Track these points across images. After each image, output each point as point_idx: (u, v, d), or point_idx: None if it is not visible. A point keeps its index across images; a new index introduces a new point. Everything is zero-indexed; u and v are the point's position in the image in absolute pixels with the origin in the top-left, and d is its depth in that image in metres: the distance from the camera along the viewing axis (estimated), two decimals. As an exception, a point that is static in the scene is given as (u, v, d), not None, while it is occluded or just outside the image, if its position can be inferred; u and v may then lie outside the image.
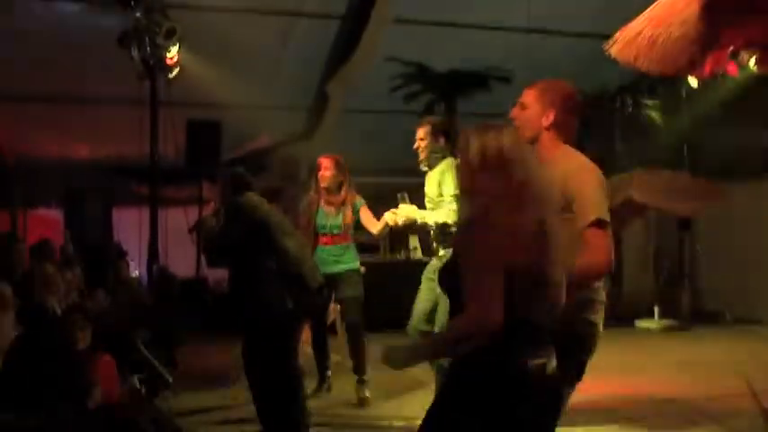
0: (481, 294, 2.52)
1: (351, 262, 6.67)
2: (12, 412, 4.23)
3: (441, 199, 5.45)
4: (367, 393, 6.56)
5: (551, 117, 3.41)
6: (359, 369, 6.65)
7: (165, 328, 7.45)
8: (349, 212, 6.59)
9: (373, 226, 6.47)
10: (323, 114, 11.24)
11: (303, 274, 5.16)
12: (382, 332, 6.97)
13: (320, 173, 6.64)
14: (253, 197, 5.36)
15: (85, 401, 4.52)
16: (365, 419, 6.08)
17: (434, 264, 5.55)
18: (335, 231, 6.62)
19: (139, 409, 4.94)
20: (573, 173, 3.28)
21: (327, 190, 6.62)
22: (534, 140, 3.42)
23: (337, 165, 6.62)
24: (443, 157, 5.55)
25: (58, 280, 6.24)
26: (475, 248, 2.57)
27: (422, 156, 5.63)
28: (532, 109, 3.44)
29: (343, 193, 6.62)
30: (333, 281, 6.48)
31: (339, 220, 6.60)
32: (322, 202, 6.68)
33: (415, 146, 5.66)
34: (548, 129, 3.41)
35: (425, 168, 5.62)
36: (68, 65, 9.20)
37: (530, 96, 3.47)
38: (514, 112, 3.50)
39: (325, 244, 6.65)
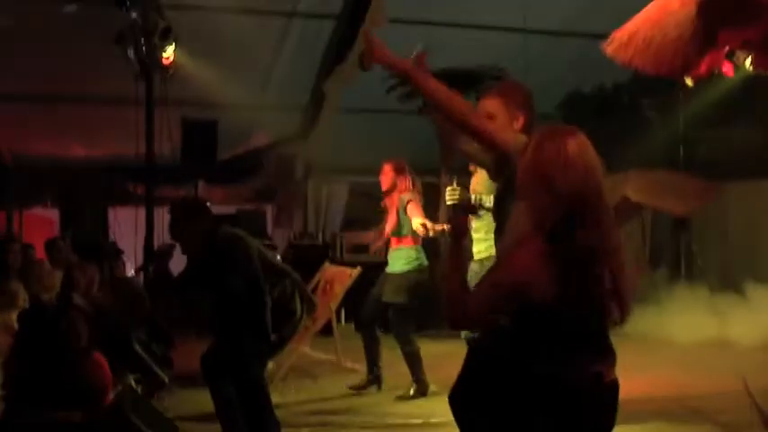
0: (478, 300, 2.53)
1: (395, 266, 6.74)
2: (11, 412, 4.24)
3: None
4: (411, 392, 6.64)
5: (522, 120, 3.40)
6: (374, 365, 6.83)
7: (160, 327, 7.45)
8: (393, 216, 6.70)
9: (415, 220, 6.53)
10: (319, 114, 11.24)
11: (295, 298, 5.14)
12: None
13: (381, 177, 6.81)
14: (232, 229, 5.12)
15: (82, 401, 4.51)
16: (361, 419, 6.08)
17: (474, 268, 5.58)
18: (391, 234, 6.78)
19: (135, 408, 4.94)
20: None
21: (386, 193, 6.79)
22: None
23: (395, 169, 6.73)
24: None
25: (53, 278, 6.25)
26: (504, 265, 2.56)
27: None
28: (501, 117, 3.40)
29: (394, 195, 6.73)
30: (382, 281, 6.79)
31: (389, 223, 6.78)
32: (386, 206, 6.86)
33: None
34: (520, 132, 3.36)
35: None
36: (65, 64, 9.20)
37: (494, 105, 3.43)
38: None
39: (390, 246, 6.85)
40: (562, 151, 2.54)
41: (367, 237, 7.58)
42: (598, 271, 2.49)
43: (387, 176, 6.74)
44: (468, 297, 2.57)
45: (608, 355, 2.62)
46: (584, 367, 2.54)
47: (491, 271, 2.60)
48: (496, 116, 3.40)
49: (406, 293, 6.64)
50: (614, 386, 2.60)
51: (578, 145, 2.59)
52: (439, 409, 6.14)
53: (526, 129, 3.39)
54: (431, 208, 6.99)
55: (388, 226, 6.74)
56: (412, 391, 6.65)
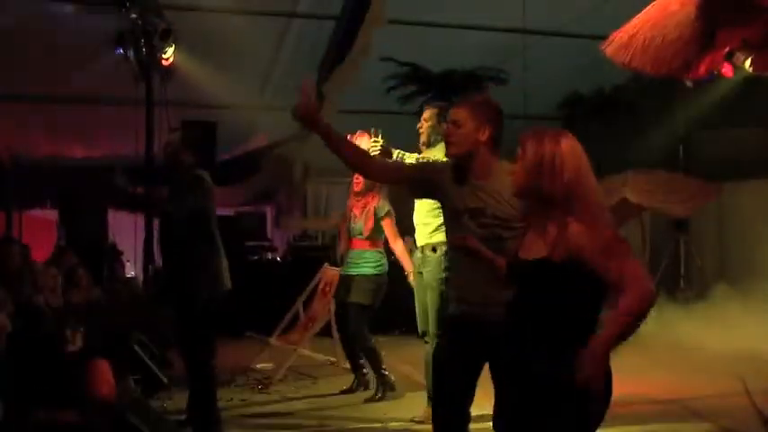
0: (636, 273, 2.53)
1: (363, 268, 6.70)
2: (9, 412, 4.24)
3: None
4: (379, 394, 6.63)
5: (487, 132, 3.51)
6: (360, 368, 6.81)
7: (160, 328, 7.45)
8: (370, 220, 6.67)
9: (393, 242, 6.61)
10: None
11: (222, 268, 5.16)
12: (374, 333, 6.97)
13: (354, 178, 6.74)
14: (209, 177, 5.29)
15: (80, 402, 4.51)
16: (360, 420, 6.07)
17: (418, 256, 5.65)
18: (358, 236, 6.73)
19: (135, 409, 4.94)
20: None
21: (358, 194, 6.74)
22: (470, 156, 3.54)
23: None
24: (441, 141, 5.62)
25: (48, 279, 6.25)
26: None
27: (423, 137, 5.69)
28: (467, 126, 3.52)
29: (368, 198, 6.69)
30: (347, 283, 6.74)
31: (360, 224, 6.71)
32: (355, 208, 6.80)
33: (419, 125, 5.71)
34: (484, 144, 3.50)
35: (423, 148, 5.65)
36: (64, 66, 9.20)
37: (462, 114, 3.55)
38: (449, 130, 3.60)
39: (351, 247, 6.81)
40: (549, 154, 2.65)
41: (327, 222, 7.55)
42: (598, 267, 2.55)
43: (361, 178, 6.68)
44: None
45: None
46: None
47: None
48: (462, 125, 3.54)
49: (373, 296, 6.67)
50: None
51: (571, 143, 2.68)
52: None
53: (491, 142, 3.54)
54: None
55: (366, 228, 6.67)
56: (376, 388, 6.66)
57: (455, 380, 3.63)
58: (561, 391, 2.61)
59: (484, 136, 3.51)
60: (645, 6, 4.18)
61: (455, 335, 3.70)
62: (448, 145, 3.60)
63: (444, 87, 10.68)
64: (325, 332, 7.75)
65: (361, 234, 6.69)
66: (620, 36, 4.16)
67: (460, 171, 3.60)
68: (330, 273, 7.95)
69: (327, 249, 11.56)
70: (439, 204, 5.47)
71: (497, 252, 3.13)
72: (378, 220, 6.65)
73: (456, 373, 3.62)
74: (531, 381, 2.67)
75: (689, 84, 5.69)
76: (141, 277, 9.07)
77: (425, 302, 5.57)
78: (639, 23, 4.09)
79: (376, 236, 6.70)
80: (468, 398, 3.63)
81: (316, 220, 7.24)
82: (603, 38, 4.29)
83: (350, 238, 6.80)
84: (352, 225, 6.78)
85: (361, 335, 6.68)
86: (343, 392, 6.84)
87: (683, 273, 11.43)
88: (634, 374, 7.54)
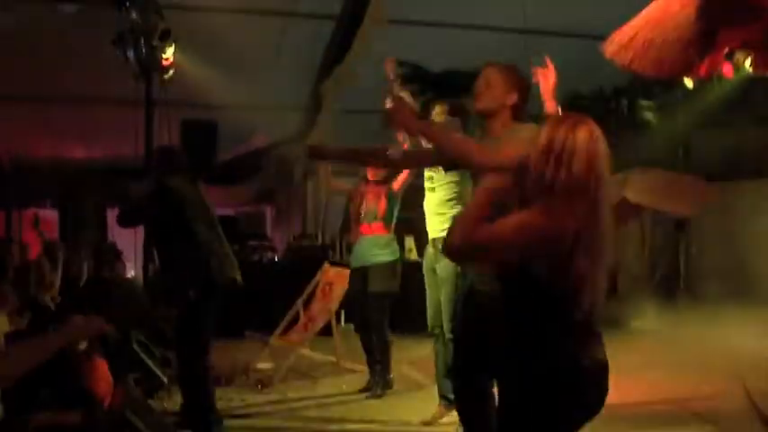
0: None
1: (379, 256, 6.65)
2: (7, 411, 4.23)
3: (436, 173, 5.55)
4: (378, 391, 6.64)
5: (514, 98, 3.69)
6: (376, 364, 6.73)
7: (159, 327, 7.45)
8: (383, 201, 6.65)
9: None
10: (318, 115, 11.24)
11: (210, 265, 5.16)
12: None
13: (369, 168, 6.73)
14: (178, 180, 5.32)
15: (82, 403, 4.51)
16: (359, 420, 6.07)
17: (430, 251, 5.60)
18: (371, 220, 6.68)
19: (134, 409, 4.93)
20: (511, 139, 3.50)
21: (375, 182, 6.74)
22: (493, 115, 3.68)
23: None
24: None
25: (53, 277, 6.25)
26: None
27: None
28: (498, 87, 3.71)
29: (381, 186, 6.71)
30: (363, 274, 6.66)
31: (374, 207, 6.67)
32: (368, 193, 6.77)
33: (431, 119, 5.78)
34: (509, 108, 3.68)
35: None
36: (64, 65, 9.19)
37: (495, 75, 3.75)
38: (480, 87, 3.75)
39: (363, 234, 6.73)
40: (569, 141, 2.56)
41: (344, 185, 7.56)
42: (577, 256, 2.51)
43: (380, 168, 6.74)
44: (481, 223, 2.56)
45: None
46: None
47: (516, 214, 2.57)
48: (494, 85, 3.72)
49: (394, 282, 6.64)
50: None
51: (587, 134, 2.60)
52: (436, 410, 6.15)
53: (516, 109, 3.70)
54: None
55: (380, 209, 6.66)
56: (378, 385, 6.66)
57: (468, 350, 3.66)
58: (552, 383, 2.59)
59: (511, 101, 3.68)
60: (645, 7, 4.18)
61: (465, 304, 3.77)
62: (477, 99, 3.73)
63: (444, 87, 10.66)
64: (326, 332, 7.74)
65: (375, 217, 6.66)
66: (620, 37, 4.16)
67: (482, 130, 3.77)
68: (330, 272, 7.96)
69: (327, 249, 11.57)
70: (453, 195, 5.45)
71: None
72: (392, 199, 6.64)
73: (469, 344, 3.66)
74: (523, 372, 2.65)
75: (689, 84, 5.71)
76: (141, 277, 9.06)
77: (438, 299, 5.51)
78: (640, 24, 4.09)
79: (388, 219, 6.67)
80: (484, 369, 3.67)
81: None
82: (604, 38, 4.29)
83: (360, 225, 6.76)
84: (365, 210, 6.75)
85: (383, 326, 6.65)
86: (362, 391, 6.79)
87: (683, 272, 11.43)
88: (632, 375, 7.54)
